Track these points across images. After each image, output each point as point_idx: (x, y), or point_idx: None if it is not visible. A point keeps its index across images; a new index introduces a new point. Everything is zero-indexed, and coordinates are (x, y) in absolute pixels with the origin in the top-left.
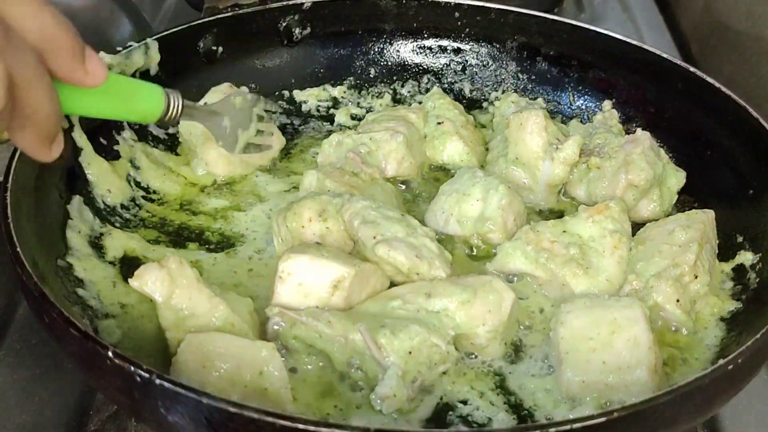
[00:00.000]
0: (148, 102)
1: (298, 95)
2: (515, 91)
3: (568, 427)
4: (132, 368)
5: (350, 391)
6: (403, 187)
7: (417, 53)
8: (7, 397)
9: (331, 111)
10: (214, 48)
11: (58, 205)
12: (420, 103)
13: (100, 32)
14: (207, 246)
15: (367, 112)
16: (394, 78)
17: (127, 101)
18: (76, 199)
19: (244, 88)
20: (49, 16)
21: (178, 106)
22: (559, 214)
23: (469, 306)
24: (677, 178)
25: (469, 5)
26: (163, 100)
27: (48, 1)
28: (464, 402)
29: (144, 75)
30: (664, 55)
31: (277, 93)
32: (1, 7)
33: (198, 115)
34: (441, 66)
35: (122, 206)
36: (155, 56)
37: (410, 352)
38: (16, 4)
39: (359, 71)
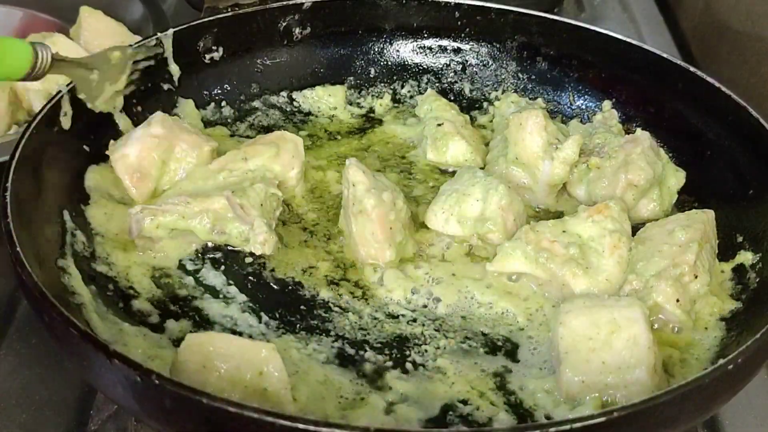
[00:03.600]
0: (16, 58)
1: (298, 95)
2: (515, 91)
3: (568, 426)
4: (132, 368)
5: (350, 391)
6: None
7: (417, 53)
8: (7, 397)
9: (331, 111)
10: (214, 48)
11: (58, 204)
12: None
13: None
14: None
15: (368, 111)
16: (394, 78)
17: None
18: (76, 198)
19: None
20: None
21: (46, 59)
22: (559, 214)
23: (277, 158)
24: (677, 178)
25: (469, 5)
26: (32, 56)
27: None
28: (464, 402)
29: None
30: (664, 55)
31: (277, 93)
32: None
33: (66, 67)
34: (441, 66)
35: None
36: (169, 48)
37: (261, 204)
38: None
39: (359, 71)
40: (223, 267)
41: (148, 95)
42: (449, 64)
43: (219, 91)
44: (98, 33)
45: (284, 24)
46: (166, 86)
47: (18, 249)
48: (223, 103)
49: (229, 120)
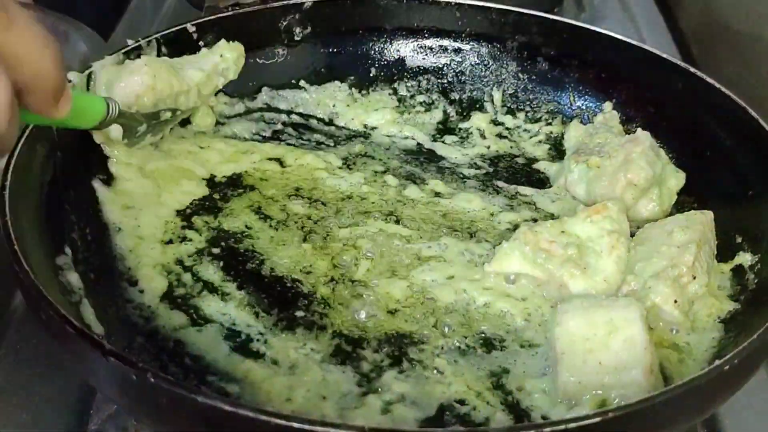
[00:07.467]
0: (92, 112)
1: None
2: (518, 93)
3: (563, 426)
4: (129, 367)
5: (347, 391)
6: None
7: (417, 53)
8: (7, 396)
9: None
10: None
11: (57, 203)
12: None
13: None
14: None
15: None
16: (395, 77)
17: (75, 113)
18: (76, 197)
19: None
20: (49, 59)
21: (114, 112)
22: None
23: None
24: (677, 178)
25: (469, 5)
26: (104, 110)
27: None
28: (461, 402)
29: None
30: (664, 55)
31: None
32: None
33: (122, 119)
34: (441, 66)
35: None
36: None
37: None
38: (22, 44)
39: (359, 71)
40: (221, 264)
41: None
42: (449, 64)
43: (219, 91)
44: None
45: (285, 23)
46: None
47: (16, 247)
48: None
49: None
